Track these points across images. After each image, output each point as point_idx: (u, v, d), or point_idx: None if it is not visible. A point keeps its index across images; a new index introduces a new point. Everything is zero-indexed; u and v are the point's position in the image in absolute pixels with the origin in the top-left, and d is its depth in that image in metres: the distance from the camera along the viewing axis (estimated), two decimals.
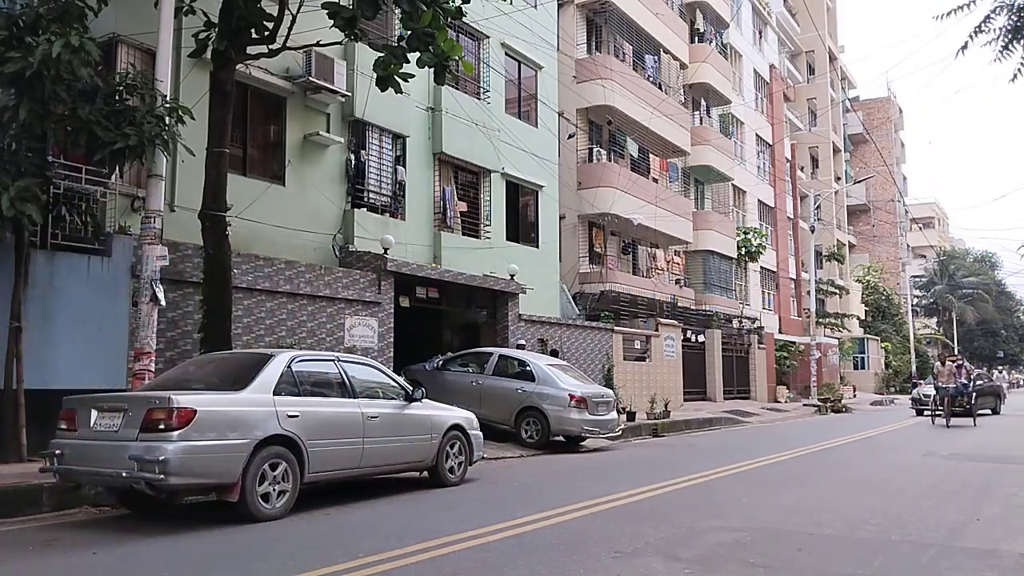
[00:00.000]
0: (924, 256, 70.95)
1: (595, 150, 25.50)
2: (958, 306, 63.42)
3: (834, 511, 7.76)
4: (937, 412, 21.36)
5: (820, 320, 39.39)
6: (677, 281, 29.36)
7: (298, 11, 10.89)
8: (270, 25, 10.73)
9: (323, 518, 7.23)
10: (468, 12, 11.78)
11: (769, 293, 39.15)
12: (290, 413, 7.35)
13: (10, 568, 5.42)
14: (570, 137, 23.94)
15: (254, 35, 10.73)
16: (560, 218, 22.85)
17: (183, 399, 6.66)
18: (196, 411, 6.62)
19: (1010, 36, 9.44)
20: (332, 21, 10.46)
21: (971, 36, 9.75)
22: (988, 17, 9.69)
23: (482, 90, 19.27)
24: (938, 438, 17.20)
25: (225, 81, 10.61)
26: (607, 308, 23.68)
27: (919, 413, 25.16)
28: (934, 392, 21.79)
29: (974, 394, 21.80)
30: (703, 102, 32.57)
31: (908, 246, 69.65)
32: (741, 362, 31.79)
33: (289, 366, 7.70)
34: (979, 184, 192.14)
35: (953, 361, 22.52)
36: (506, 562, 5.49)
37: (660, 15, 27.72)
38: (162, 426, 6.50)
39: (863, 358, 48.35)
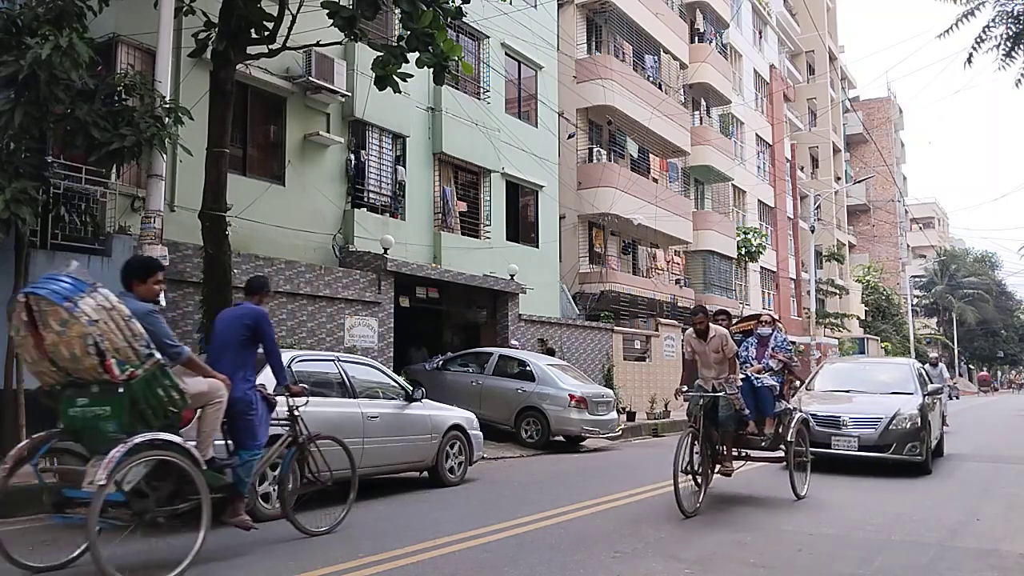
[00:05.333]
0: (924, 256, 70.95)
1: (595, 150, 25.49)
2: (958, 306, 63.40)
3: (834, 511, 7.76)
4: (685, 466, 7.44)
5: (820, 320, 39.38)
6: (677, 281, 29.36)
7: (298, 11, 10.89)
8: (270, 25, 10.71)
9: (323, 518, 7.22)
10: (468, 12, 11.77)
11: (769, 293, 39.14)
12: None
13: (10, 568, 5.41)
14: (570, 137, 23.95)
15: (254, 35, 10.72)
16: (560, 218, 22.84)
17: None
18: (196, 411, 6.59)
19: (1011, 43, 9.48)
20: (332, 21, 10.46)
21: (974, 47, 9.80)
22: (988, 26, 9.74)
23: (482, 90, 19.26)
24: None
25: (225, 81, 10.59)
26: (607, 308, 23.67)
27: None
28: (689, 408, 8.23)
29: (795, 412, 8.77)
30: (703, 102, 32.56)
31: (908, 246, 69.65)
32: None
33: (289, 366, 7.69)
34: (979, 184, 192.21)
35: (747, 330, 9.30)
36: (506, 562, 5.49)
37: (660, 15, 27.72)
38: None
39: None
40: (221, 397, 5.75)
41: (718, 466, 8.09)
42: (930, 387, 11.83)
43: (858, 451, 10.23)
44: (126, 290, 5.40)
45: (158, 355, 5.16)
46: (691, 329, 8.22)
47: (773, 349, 8.80)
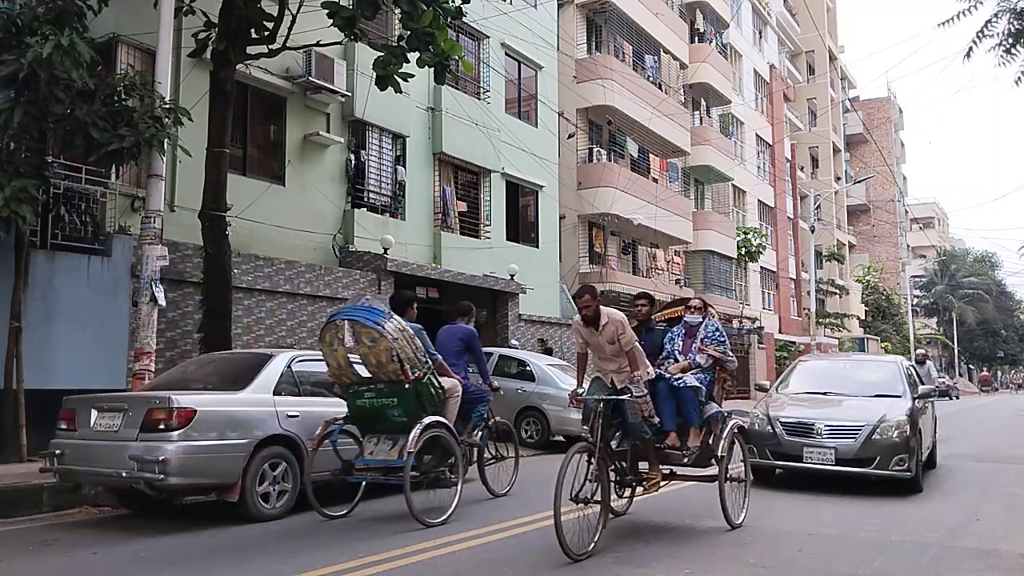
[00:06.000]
0: (924, 256, 70.98)
1: (595, 150, 25.50)
2: (958, 306, 63.43)
3: (834, 511, 7.76)
4: (577, 492, 5.62)
5: (820, 320, 39.39)
6: (677, 281, 29.37)
7: (298, 11, 10.90)
8: (270, 25, 10.73)
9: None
10: (468, 12, 11.79)
11: (769, 293, 39.14)
12: (290, 413, 7.34)
13: (10, 568, 5.42)
14: (570, 137, 23.96)
15: (254, 35, 10.73)
16: (560, 218, 22.85)
17: (183, 399, 6.66)
18: (196, 411, 6.61)
19: (1012, 40, 9.43)
20: (332, 21, 10.47)
21: (974, 42, 9.74)
22: (989, 22, 9.69)
23: (482, 90, 19.27)
24: None
25: (225, 81, 10.60)
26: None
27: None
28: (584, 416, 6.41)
29: (728, 419, 6.94)
30: (703, 102, 32.57)
31: (908, 246, 69.69)
32: (741, 362, 31.81)
33: (289, 366, 7.69)
34: (979, 184, 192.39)
35: (674, 318, 7.41)
36: (506, 562, 5.49)
37: (660, 15, 27.72)
38: (162, 426, 6.50)
39: None
40: (459, 392, 7.58)
41: (638, 487, 6.62)
42: (921, 389, 10.14)
43: (835, 465, 8.70)
44: (397, 315, 7.11)
45: (431, 361, 7.03)
46: (577, 316, 6.48)
47: (702, 341, 7.01)
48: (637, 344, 6.44)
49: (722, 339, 7.09)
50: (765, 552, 5.90)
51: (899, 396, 9.51)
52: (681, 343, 7.12)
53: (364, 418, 7.09)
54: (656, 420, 6.40)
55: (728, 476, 6.78)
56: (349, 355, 6.87)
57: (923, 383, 11.21)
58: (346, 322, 6.75)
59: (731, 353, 7.17)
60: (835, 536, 6.55)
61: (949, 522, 7.24)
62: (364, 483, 7.28)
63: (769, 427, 9.07)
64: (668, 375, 6.74)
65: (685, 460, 6.73)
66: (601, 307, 6.40)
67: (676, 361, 6.97)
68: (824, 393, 9.86)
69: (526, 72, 21.23)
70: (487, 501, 8.37)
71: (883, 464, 8.60)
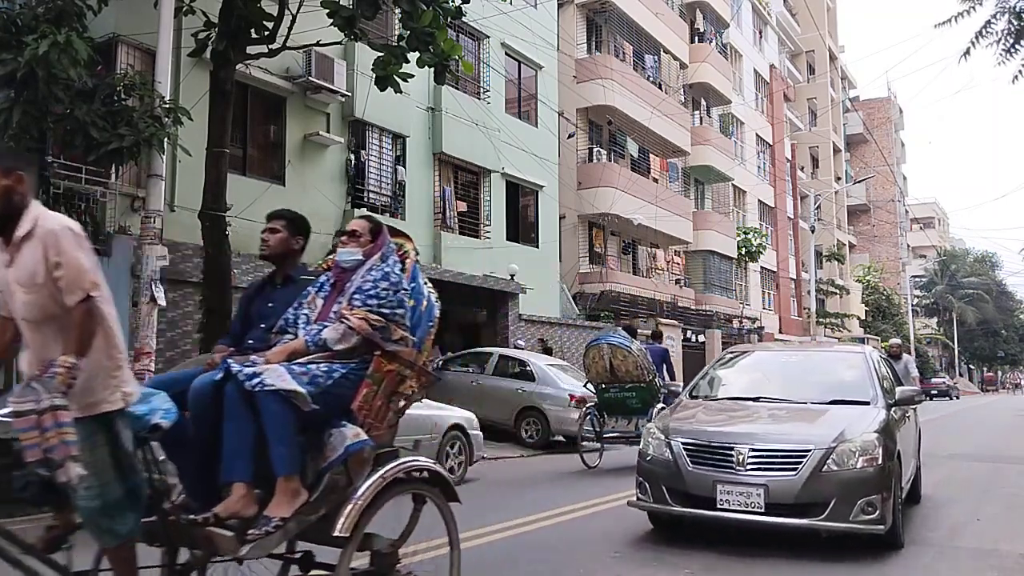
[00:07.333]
0: (924, 256, 70.96)
1: (595, 150, 25.50)
2: (958, 306, 63.44)
3: None
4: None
5: (820, 320, 39.40)
6: (677, 281, 29.37)
7: (298, 11, 10.90)
8: (270, 25, 10.72)
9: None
10: (468, 12, 11.79)
11: (769, 293, 39.14)
12: None
13: (11, 568, 5.41)
14: (570, 137, 23.96)
15: (254, 35, 10.73)
16: (560, 218, 22.86)
17: None
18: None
19: (1013, 39, 9.44)
20: (332, 21, 10.47)
21: (973, 41, 9.77)
22: (990, 21, 9.71)
23: (482, 90, 19.27)
24: None
25: (225, 81, 10.60)
26: (607, 308, 23.68)
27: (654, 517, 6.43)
28: None
29: (391, 460, 3.47)
30: (703, 102, 32.57)
31: (908, 246, 69.66)
32: None
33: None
34: (979, 184, 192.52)
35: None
36: (506, 562, 5.48)
37: (660, 15, 27.73)
38: None
39: None
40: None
41: None
42: (899, 392, 6.85)
43: (764, 514, 5.53)
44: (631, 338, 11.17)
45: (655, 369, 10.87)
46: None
47: (351, 299, 3.54)
48: (100, 296, 2.89)
49: (388, 294, 3.64)
50: (766, 552, 5.89)
51: (867, 403, 6.37)
52: (321, 302, 3.66)
53: (609, 405, 11.01)
54: (79, 473, 2.85)
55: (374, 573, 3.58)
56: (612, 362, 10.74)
57: (901, 383, 8.04)
58: (605, 344, 10.78)
59: (405, 323, 3.81)
60: (835, 536, 6.54)
61: (949, 522, 7.24)
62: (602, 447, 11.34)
63: (667, 452, 5.93)
64: (240, 368, 3.18)
65: (244, 551, 3.11)
66: (41, 209, 2.91)
67: (296, 337, 3.51)
68: (756, 399, 6.71)
69: (526, 72, 21.24)
70: (487, 502, 8.37)
71: (841, 512, 5.48)
